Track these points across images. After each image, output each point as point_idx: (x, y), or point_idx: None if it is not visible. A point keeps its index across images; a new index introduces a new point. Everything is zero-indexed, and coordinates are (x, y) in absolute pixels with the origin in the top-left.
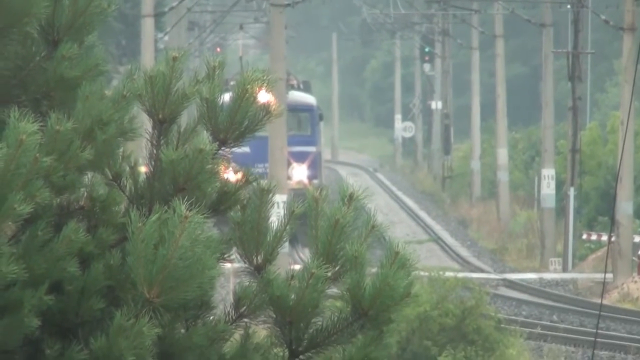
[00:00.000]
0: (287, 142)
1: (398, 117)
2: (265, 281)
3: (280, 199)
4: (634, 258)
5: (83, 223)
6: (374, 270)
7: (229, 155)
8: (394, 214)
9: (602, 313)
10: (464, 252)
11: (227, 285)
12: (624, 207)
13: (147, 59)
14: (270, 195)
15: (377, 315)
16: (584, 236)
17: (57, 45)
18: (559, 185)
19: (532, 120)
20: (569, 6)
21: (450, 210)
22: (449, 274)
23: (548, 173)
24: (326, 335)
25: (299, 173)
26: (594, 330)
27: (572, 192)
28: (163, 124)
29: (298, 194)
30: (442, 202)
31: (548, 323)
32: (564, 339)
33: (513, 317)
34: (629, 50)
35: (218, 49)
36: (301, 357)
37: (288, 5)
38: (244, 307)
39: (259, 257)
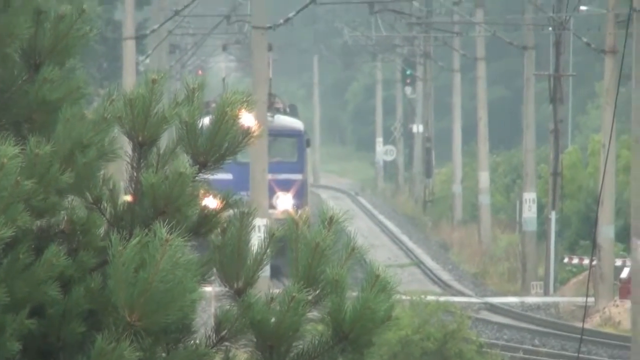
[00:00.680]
0: (271, 169)
1: (379, 140)
2: (245, 305)
3: (261, 223)
4: (615, 282)
5: (63, 246)
6: (355, 293)
7: (209, 181)
8: (375, 237)
9: (583, 337)
10: (445, 276)
11: (209, 309)
12: (605, 230)
13: (128, 82)
14: (251, 218)
15: (358, 339)
16: (566, 260)
17: (38, 68)
18: (540, 208)
19: (514, 143)
20: (550, 29)
21: (431, 234)
22: (430, 297)
23: (529, 197)
24: (307, 359)
25: (284, 202)
26: (576, 355)
27: (553, 215)
28: (143, 146)
29: (283, 224)
30: (424, 225)
31: (530, 347)
32: None
33: (495, 341)
34: (611, 73)
35: (199, 72)
36: None
37: (270, 28)
38: (225, 331)
39: (239, 281)
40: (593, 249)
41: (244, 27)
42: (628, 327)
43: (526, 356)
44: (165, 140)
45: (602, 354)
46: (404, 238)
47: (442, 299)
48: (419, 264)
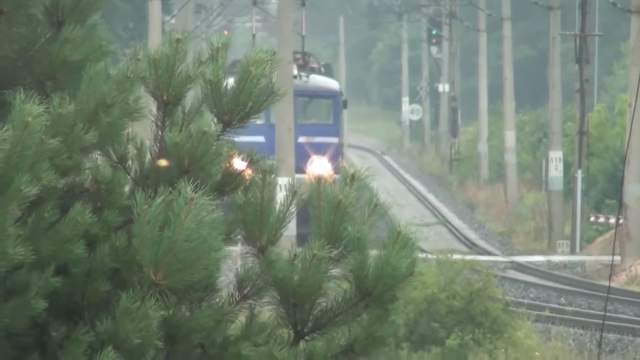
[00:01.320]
0: (306, 131)
1: (405, 99)
2: (267, 262)
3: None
4: None
5: (88, 205)
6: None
7: (234, 142)
8: (401, 196)
9: (610, 295)
10: (471, 235)
11: (235, 268)
12: (632, 189)
13: (154, 42)
14: (273, 176)
15: (381, 295)
16: (592, 219)
17: (61, 26)
18: (567, 167)
19: (540, 103)
20: None
21: (457, 193)
22: (456, 256)
23: (555, 155)
24: (331, 316)
25: (319, 167)
26: (602, 313)
27: (579, 174)
28: (167, 105)
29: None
30: (450, 184)
31: (556, 306)
32: (572, 322)
33: (521, 300)
34: (637, 33)
35: (225, 32)
36: (307, 338)
37: None
38: (247, 289)
39: (262, 239)
40: (619, 207)
41: None
42: None
43: (552, 314)
44: (190, 99)
45: (628, 312)
46: (430, 197)
47: (468, 257)
48: (445, 222)
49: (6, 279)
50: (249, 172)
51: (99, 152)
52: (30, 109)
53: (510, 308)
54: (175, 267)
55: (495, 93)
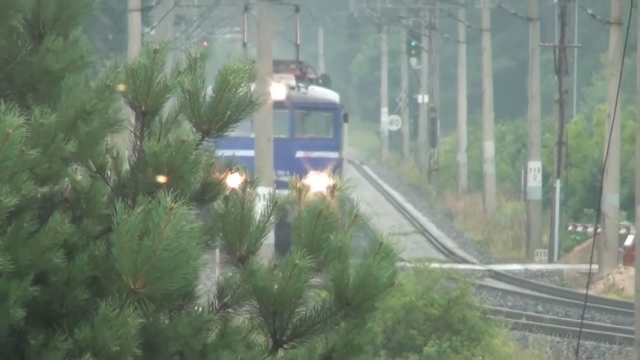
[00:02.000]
0: (304, 146)
1: (384, 110)
2: (248, 272)
3: (264, 191)
4: (619, 249)
5: (67, 214)
6: (359, 261)
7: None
8: (380, 206)
9: (587, 303)
10: (449, 244)
11: (213, 277)
12: (610, 199)
13: (134, 54)
14: (254, 186)
15: (361, 305)
16: (570, 228)
17: (42, 38)
18: (545, 177)
19: (519, 114)
20: (555, 0)
21: (436, 203)
22: (434, 265)
23: (534, 165)
24: (310, 325)
25: (318, 183)
26: (579, 321)
27: (558, 184)
28: (145, 115)
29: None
30: (428, 194)
31: (533, 313)
32: (549, 329)
33: (498, 308)
34: (616, 44)
35: (205, 43)
36: (285, 346)
37: None
38: (227, 297)
39: (242, 249)
40: (598, 216)
41: None
42: (631, 293)
43: (530, 322)
44: (167, 110)
45: (605, 320)
46: (409, 207)
47: (446, 266)
48: (423, 232)
49: None
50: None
51: (78, 162)
52: (10, 120)
53: (487, 316)
54: (154, 275)
55: (475, 104)
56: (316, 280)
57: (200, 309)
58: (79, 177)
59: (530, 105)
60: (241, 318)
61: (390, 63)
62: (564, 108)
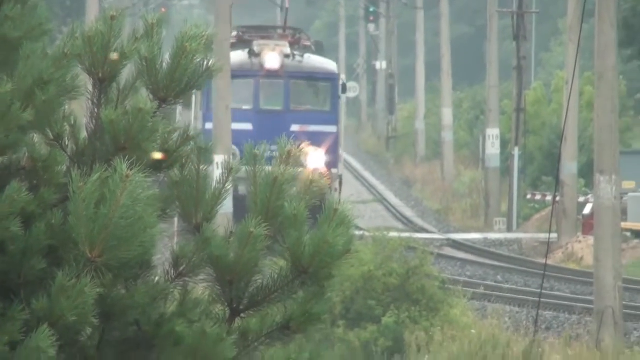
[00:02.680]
0: (300, 119)
1: (342, 77)
2: (203, 240)
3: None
4: (578, 217)
5: (25, 183)
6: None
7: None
8: None
9: (546, 273)
10: (408, 213)
11: (170, 246)
12: (569, 167)
13: (92, 19)
14: (209, 154)
15: (318, 272)
16: (529, 196)
17: (1, 5)
18: (504, 145)
19: (477, 80)
20: None
21: (394, 171)
22: (393, 234)
23: (493, 133)
24: (267, 293)
25: (315, 159)
26: (539, 290)
27: (516, 151)
28: (103, 82)
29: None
30: (387, 162)
31: (492, 283)
32: (508, 299)
33: (457, 277)
34: (574, 10)
35: (163, 9)
36: (242, 315)
37: None
38: (183, 266)
39: (198, 216)
40: (556, 185)
41: None
42: (590, 263)
43: (488, 292)
44: (125, 77)
45: (564, 290)
46: (367, 175)
47: (405, 235)
48: (382, 200)
49: None
50: (185, 149)
51: (36, 131)
52: None
53: (446, 286)
54: (111, 244)
55: (433, 70)
56: (272, 248)
57: (157, 278)
58: (36, 146)
59: (489, 72)
60: (201, 289)
61: (348, 29)
62: (522, 75)
